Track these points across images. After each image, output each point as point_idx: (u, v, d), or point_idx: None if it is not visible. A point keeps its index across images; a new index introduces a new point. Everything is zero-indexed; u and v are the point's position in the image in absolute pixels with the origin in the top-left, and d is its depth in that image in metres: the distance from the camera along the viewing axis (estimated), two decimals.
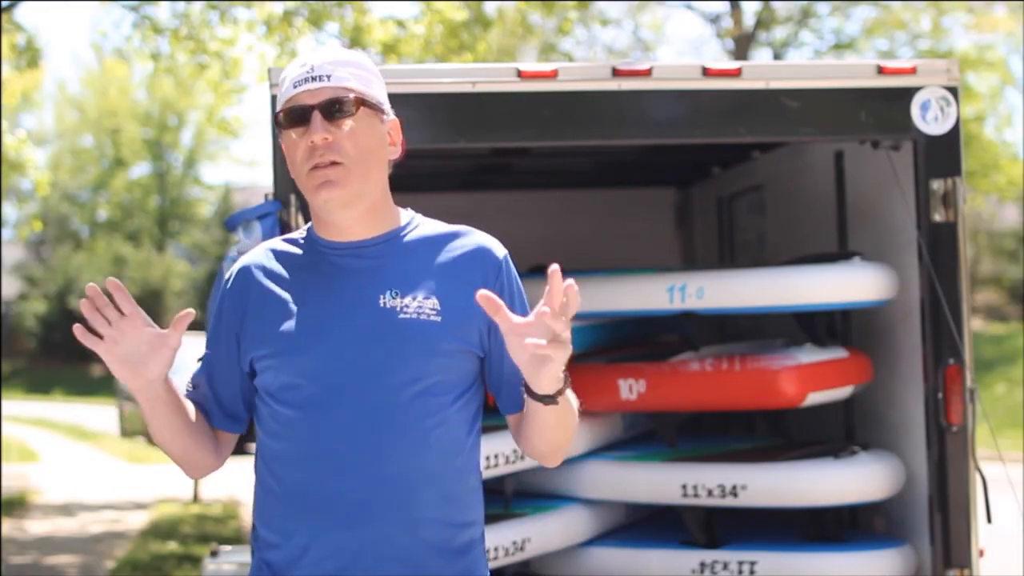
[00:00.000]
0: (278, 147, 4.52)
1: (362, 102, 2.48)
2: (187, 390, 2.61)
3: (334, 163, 2.44)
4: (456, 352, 2.46)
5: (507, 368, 2.48)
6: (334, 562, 2.42)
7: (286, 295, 2.50)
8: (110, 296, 2.37)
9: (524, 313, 2.47)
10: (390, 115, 2.55)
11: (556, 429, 2.44)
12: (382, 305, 2.45)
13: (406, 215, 2.58)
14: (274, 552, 2.49)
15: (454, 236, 2.54)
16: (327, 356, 2.44)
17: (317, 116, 2.45)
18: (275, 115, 2.53)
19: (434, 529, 2.44)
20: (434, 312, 2.44)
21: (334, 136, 2.45)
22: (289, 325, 2.47)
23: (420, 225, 2.57)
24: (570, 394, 2.41)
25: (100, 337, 2.35)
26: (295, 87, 2.48)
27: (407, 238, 2.54)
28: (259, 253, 2.59)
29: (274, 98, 4.50)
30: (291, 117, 2.48)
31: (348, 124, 2.46)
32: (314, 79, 2.47)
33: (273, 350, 2.47)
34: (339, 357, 2.43)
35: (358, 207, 2.49)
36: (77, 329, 2.32)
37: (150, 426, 2.51)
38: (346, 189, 2.45)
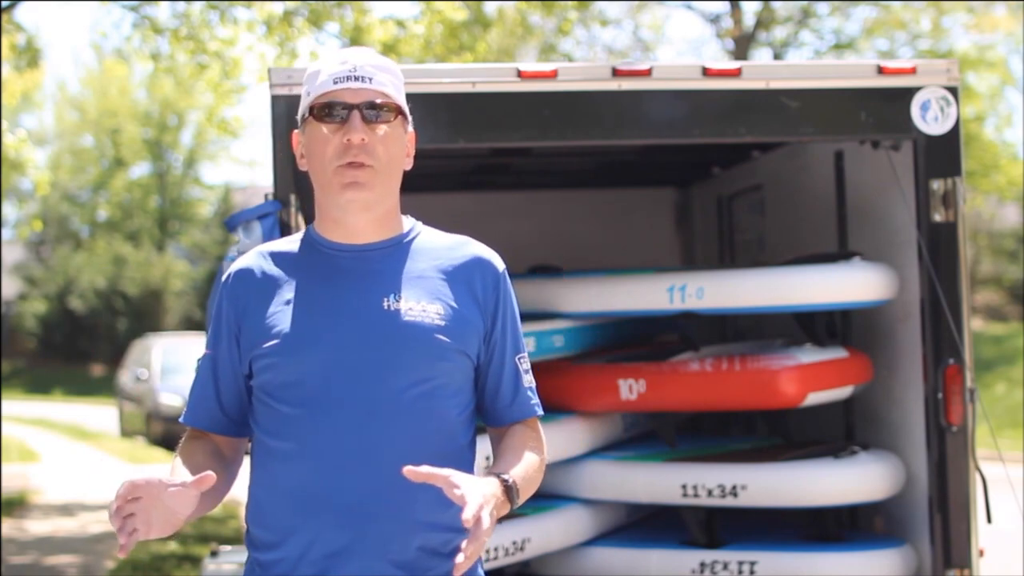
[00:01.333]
0: (278, 147, 4.53)
1: (399, 111, 2.53)
2: (186, 422, 2.62)
3: (364, 165, 2.47)
4: (458, 356, 2.50)
5: (493, 382, 2.56)
6: (330, 561, 2.43)
7: (288, 294, 2.52)
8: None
9: (515, 330, 2.58)
10: (410, 127, 2.59)
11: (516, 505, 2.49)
12: (386, 307, 2.48)
13: (408, 222, 2.62)
14: (269, 552, 2.50)
15: (456, 245, 2.59)
16: (331, 355, 2.45)
17: (357, 116, 2.48)
18: (308, 106, 2.53)
19: (432, 532, 2.46)
20: (438, 316, 2.48)
21: (369, 139, 2.48)
22: (290, 324, 2.48)
23: (422, 233, 2.61)
24: (531, 475, 2.49)
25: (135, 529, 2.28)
26: (335, 83, 2.49)
27: (410, 244, 2.57)
28: (254, 256, 2.61)
29: (275, 98, 4.51)
30: (327, 111, 2.49)
31: (383, 129, 2.50)
32: (357, 79, 2.49)
33: (275, 348, 2.48)
34: (343, 357, 2.45)
35: (375, 211, 2.53)
36: (121, 552, 2.26)
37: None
38: (371, 192, 2.49)
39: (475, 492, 2.28)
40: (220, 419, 2.60)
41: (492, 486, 2.36)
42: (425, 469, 2.28)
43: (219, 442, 2.62)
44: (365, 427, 2.43)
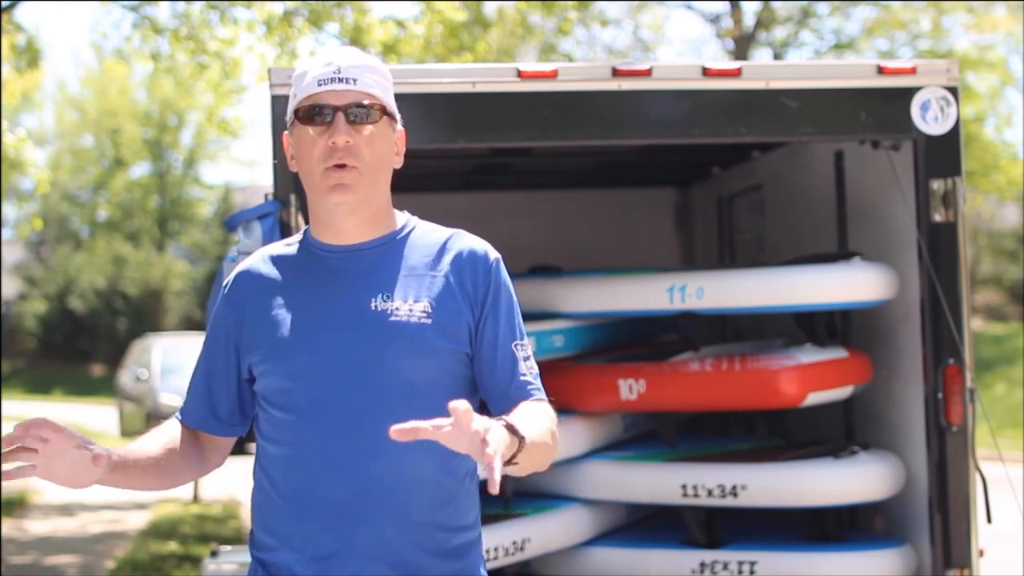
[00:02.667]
0: (278, 147, 4.53)
1: (384, 111, 2.51)
2: (179, 415, 2.63)
3: (350, 167, 2.46)
4: (447, 353, 2.48)
5: (488, 369, 2.51)
6: (327, 563, 2.44)
7: (280, 299, 2.52)
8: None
9: (510, 317, 2.53)
10: (399, 125, 2.58)
11: (529, 461, 2.38)
12: (373, 308, 2.47)
13: (402, 218, 2.60)
14: (270, 554, 2.50)
15: (447, 239, 2.56)
16: (318, 359, 2.45)
17: (341, 118, 2.47)
18: (294, 109, 2.53)
19: (427, 532, 2.45)
20: (424, 315, 2.46)
21: (354, 140, 2.47)
22: (281, 329, 2.49)
23: (415, 228, 2.59)
24: (538, 433, 2.36)
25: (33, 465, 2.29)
26: (319, 85, 2.49)
27: (402, 242, 2.55)
28: (255, 259, 2.61)
29: (275, 98, 4.51)
30: (312, 114, 2.49)
31: (369, 130, 2.49)
32: (341, 80, 2.48)
33: (266, 355, 2.49)
34: (330, 360, 2.45)
35: (363, 213, 2.51)
36: (5, 474, 2.25)
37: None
38: (357, 195, 2.48)
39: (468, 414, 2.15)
40: (209, 420, 2.62)
41: (488, 420, 2.22)
42: (410, 424, 2.15)
43: (204, 438, 2.63)
44: (356, 429, 2.43)
